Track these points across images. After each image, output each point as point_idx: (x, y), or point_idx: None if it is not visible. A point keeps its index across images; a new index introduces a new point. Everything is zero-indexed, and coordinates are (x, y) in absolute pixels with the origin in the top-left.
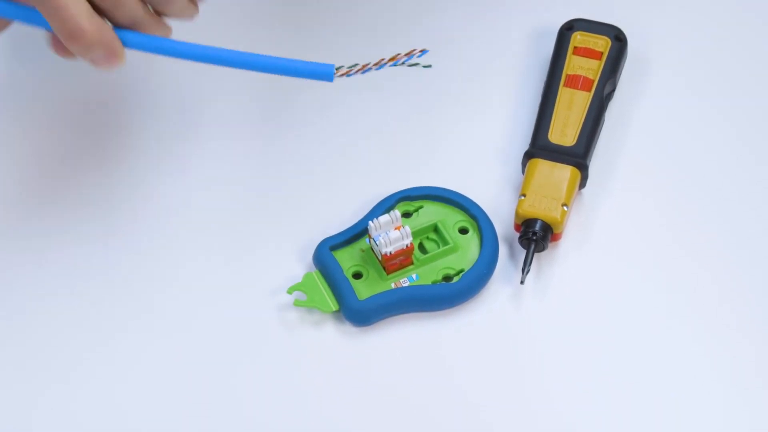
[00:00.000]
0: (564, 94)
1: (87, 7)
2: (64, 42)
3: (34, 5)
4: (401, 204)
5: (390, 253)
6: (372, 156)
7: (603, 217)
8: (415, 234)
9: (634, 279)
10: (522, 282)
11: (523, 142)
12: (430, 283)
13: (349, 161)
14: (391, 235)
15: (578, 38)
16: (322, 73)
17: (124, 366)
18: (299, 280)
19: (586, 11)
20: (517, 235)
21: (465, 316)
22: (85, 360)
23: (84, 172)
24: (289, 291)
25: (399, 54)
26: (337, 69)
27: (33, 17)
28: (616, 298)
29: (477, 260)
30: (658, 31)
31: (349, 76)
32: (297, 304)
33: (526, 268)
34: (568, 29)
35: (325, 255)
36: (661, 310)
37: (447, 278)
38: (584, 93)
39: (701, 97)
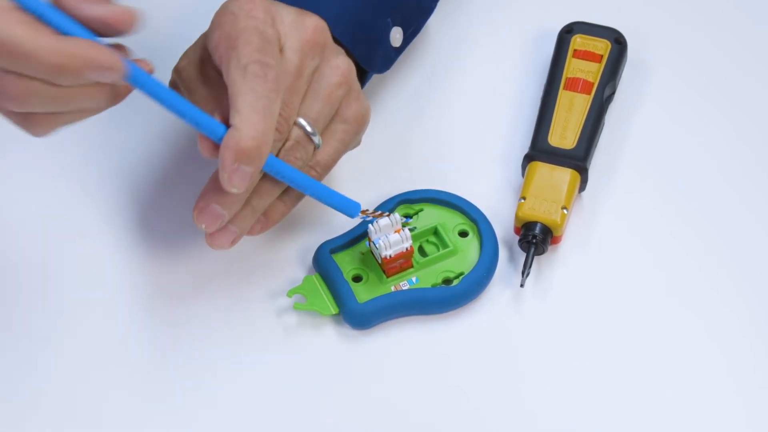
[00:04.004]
0: (564, 97)
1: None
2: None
3: None
4: (401, 207)
5: (390, 256)
6: (372, 159)
7: (603, 220)
8: (415, 237)
9: (634, 282)
10: (522, 285)
11: (523, 145)
12: (429, 286)
13: (349, 164)
14: (391, 238)
15: (578, 41)
16: (349, 209)
17: (122, 366)
18: (299, 283)
19: (585, 14)
20: (517, 238)
21: (465, 319)
22: (87, 362)
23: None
24: (289, 294)
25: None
26: (363, 211)
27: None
28: (616, 301)
29: (477, 263)
30: (657, 33)
31: (364, 218)
32: (297, 307)
33: (525, 271)
34: (567, 32)
35: (325, 258)
36: (661, 312)
37: (447, 281)
38: (584, 96)
39: (701, 99)
